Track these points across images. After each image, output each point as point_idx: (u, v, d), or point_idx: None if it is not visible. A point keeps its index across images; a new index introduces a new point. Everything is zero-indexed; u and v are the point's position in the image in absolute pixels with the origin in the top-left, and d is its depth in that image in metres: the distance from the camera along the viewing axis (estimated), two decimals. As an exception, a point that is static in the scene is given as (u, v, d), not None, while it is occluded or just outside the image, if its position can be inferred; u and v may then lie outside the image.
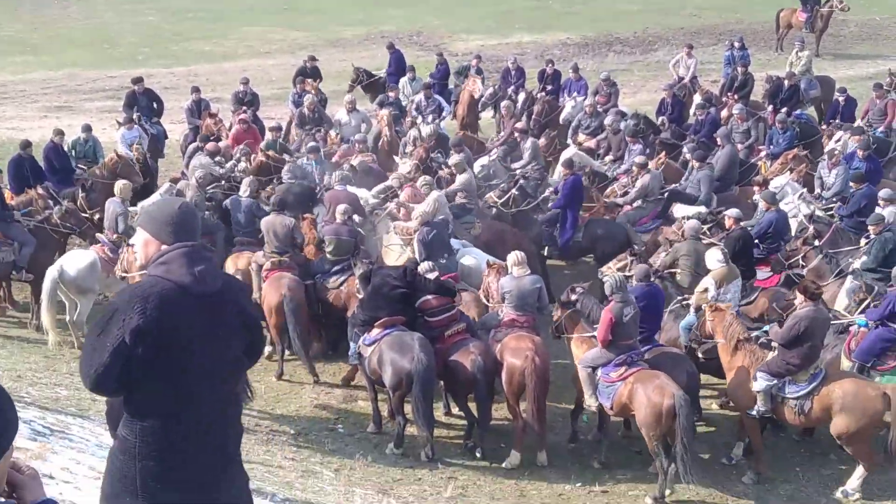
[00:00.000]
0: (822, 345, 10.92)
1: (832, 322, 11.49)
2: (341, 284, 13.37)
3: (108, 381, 4.31)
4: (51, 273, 13.41)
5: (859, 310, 12.02)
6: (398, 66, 23.24)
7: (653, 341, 11.40)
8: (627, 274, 12.35)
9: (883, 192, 14.66)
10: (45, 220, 14.67)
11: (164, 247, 4.49)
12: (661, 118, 19.76)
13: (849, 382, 10.52)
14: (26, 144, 16.46)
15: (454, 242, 14.13)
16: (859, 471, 10.56)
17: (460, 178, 15.56)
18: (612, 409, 10.90)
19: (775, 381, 10.53)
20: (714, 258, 12.35)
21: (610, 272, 13.04)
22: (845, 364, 11.39)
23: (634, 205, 15.92)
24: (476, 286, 13.34)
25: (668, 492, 10.47)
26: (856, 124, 19.04)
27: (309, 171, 16.39)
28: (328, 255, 13.55)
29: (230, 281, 4.85)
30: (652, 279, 11.74)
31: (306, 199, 15.29)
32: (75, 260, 13.74)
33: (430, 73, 23.35)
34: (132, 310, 4.26)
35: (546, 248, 15.46)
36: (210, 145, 16.79)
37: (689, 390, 10.63)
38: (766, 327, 11.20)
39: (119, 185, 14.84)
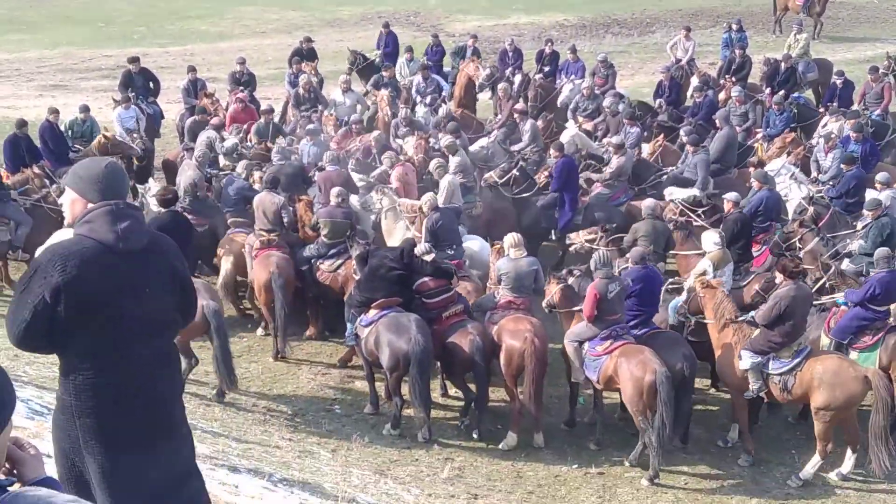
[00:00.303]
0: (805, 322, 11.03)
1: (815, 302, 11.62)
2: (338, 268, 13.34)
3: (32, 339, 4.35)
4: (38, 252, 13.32)
5: None
6: (394, 47, 23.18)
7: (650, 324, 11.41)
8: (595, 247, 12.77)
9: (880, 176, 14.64)
10: (41, 199, 14.63)
11: (90, 205, 4.51)
12: (658, 101, 19.71)
13: (831, 360, 10.68)
14: (22, 123, 16.40)
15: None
16: (814, 459, 10.69)
17: (454, 161, 15.53)
18: (598, 382, 11.09)
19: (759, 359, 10.71)
20: (711, 241, 12.33)
21: (579, 241, 13.61)
22: (824, 342, 11.51)
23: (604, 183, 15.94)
24: (478, 271, 13.37)
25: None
26: (853, 108, 19.02)
27: (303, 151, 16.36)
28: (324, 238, 13.51)
29: (158, 238, 4.84)
30: (647, 261, 11.73)
31: (298, 179, 15.24)
32: (59, 238, 13.66)
33: (425, 54, 23.26)
34: (53, 268, 4.31)
35: (551, 231, 15.47)
36: (215, 119, 16.75)
37: (686, 373, 10.71)
38: (753, 313, 11.26)
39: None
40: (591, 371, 11.04)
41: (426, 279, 11.81)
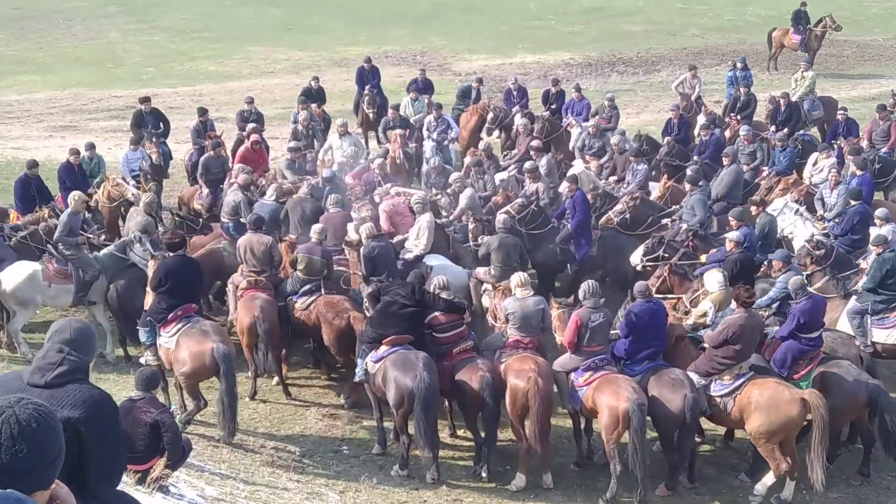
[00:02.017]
0: (752, 349, 11.25)
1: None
2: (308, 306, 13.17)
3: None
4: None
5: None
6: (378, 79, 23.57)
7: (656, 360, 11.37)
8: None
9: (879, 212, 14.72)
10: (27, 236, 14.67)
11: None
12: (667, 138, 19.77)
13: (768, 384, 10.87)
14: (32, 164, 16.52)
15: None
16: (768, 476, 10.81)
17: (463, 197, 15.55)
18: (581, 412, 11.36)
19: (703, 381, 11.03)
20: (714, 280, 12.20)
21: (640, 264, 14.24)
22: None
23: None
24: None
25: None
26: (853, 145, 19.01)
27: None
28: (299, 274, 13.34)
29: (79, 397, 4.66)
30: (650, 294, 11.77)
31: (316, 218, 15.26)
32: (15, 271, 13.93)
33: (408, 89, 23.46)
34: None
35: (567, 265, 15.52)
36: (242, 178, 16.20)
37: (688, 417, 10.71)
38: (703, 331, 11.61)
39: (73, 195, 14.85)
40: (574, 401, 11.27)
41: (438, 314, 11.84)
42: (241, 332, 13.05)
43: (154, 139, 18.93)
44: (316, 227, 13.67)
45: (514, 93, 22.96)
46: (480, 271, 14.31)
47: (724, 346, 10.96)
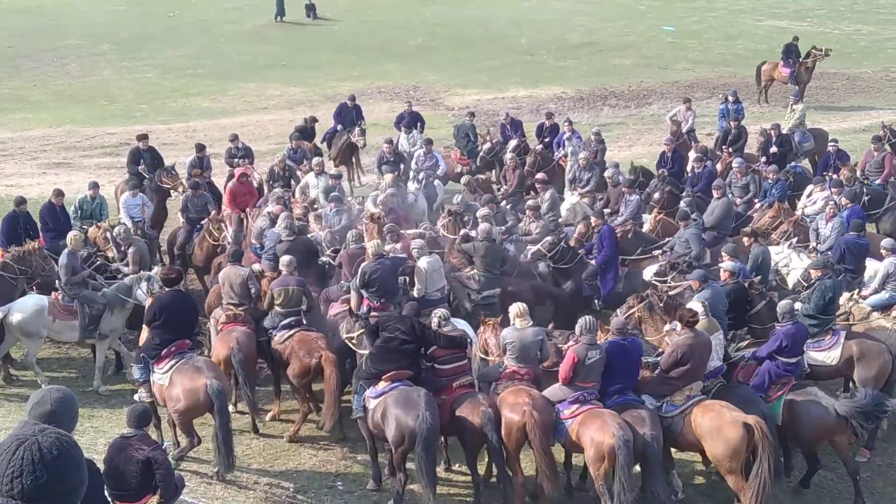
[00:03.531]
0: (703, 368, 11.43)
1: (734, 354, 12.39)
2: (285, 340, 13.10)
3: None
4: None
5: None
6: (336, 115, 23.61)
7: (626, 394, 11.35)
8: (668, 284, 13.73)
9: (885, 242, 14.86)
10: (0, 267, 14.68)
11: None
12: (661, 171, 19.85)
13: (712, 409, 10.97)
14: (21, 201, 16.52)
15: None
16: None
17: (481, 228, 15.56)
18: (564, 444, 11.37)
19: (657, 403, 11.26)
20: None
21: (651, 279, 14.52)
22: None
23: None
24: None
25: None
26: (846, 176, 19.11)
27: (328, 219, 16.73)
28: (278, 308, 13.32)
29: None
30: (627, 332, 11.78)
31: (313, 257, 15.29)
32: (23, 304, 14.22)
33: (396, 123, 23.65)
34: None
35: (594, 300, 15.55)
36: (276, 209, 16.34)
37: (648, 451, 10.69)
38: (655, 357, 11.82)
39: (70, 235, 14.99)
40: (558, 433, 11.20)
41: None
42: (217, 364, 12.90)
43: (173, 172, 18.93)
44: (284, 259, 13.73)
45: (508, 126, 23.07)
46: (463, 275, 14.49)
47: (674, 368, 11.18)
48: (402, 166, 20.25)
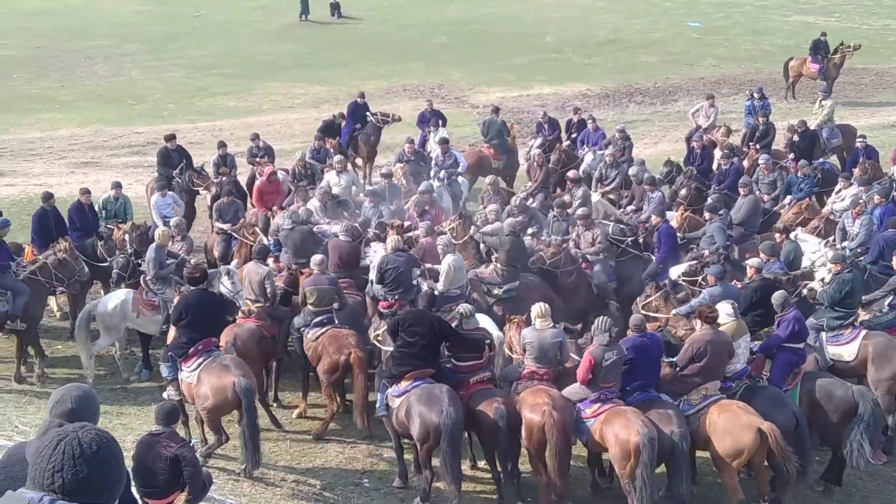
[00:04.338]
0: (722, 366, 11.33)
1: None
2: (318, 337, 13.18)
3: None
4: (87, 307, 14.43)
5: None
6: (351, 114, 23.64)
7: (648, 391, 11.33)
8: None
9: None
10: (37, 269, 14.77)
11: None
12: (688, 168, 19.76)
13: (728, 409, 10.90)
14: (48, 196, 16.47)
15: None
16: None
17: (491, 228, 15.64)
18: (586, 444, 11.30)
19: (674, 402, 11.18)
20: (724, 312, 11.89)
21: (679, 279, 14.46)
22: None
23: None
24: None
25: None
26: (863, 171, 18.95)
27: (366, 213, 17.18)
28: (310, 307, 13.41)
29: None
30: (645, 328, 11.73)
31: (309, 243, 15.51)
32: (110, 298, 14.56)
33: (419, 122, 23.74)
34: None
35: (611, 302, 15.56)
36: (302, 211, 16.50)
37: (678, 448, 10.65)
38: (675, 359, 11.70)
39: (158, 230, 15.39)
40: (580, 432, 11.15)
41: None
42: None
43: (204, 173, 19.08)
44: (316, 258, 13.86)
45: (545, 126, 23.00)
46: (484, 271, 14.51)
47: (690, 365, 11.12)
48: (422, 164, 20.24)
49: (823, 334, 12.94)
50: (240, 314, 13.71)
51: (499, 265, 14.76)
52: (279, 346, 13.76)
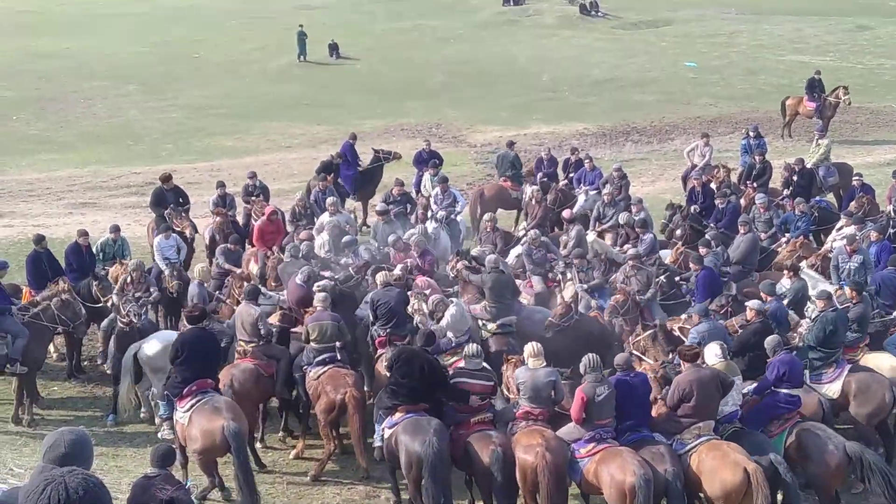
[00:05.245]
0: (713, 403, 11.15)
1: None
2: (319, 376, 13.10)
3: None
4: (131, 349, 14.00)
5: None
6: (352, 156, 23.69)
7: (640, 431, 11.24)
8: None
9: None
10: (40, 312, 14.70)
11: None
12: (693, 206, 19.80)
13: (718, 448, 10.77)
14: (40, 239, 16.34)
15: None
16: None
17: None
18: (580, 485, 11.11)
19: (667, 441, 11.08)
20: (712, 353, 11.86)
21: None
22: None
23: None
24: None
25: None
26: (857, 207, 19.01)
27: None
28: (313, 344, 13.36)
29: None
30: (632, 367, 11.70)
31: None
32: (154, 341, 14.07)
33: (415, 162, 23.80)
34: None
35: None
36: (304, 233, 17.12)
37: (672, 487, 10.56)
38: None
39: (198, 268, 15.51)
40: (573, 472, 11.04)
41: (465, 380, 11.75)
42: None
43: (183, 214, 19.01)
44: (319, 297, 13.84)
45: (545, 161, 23.15)
46: (477, 308, 14.51)
47: (681, 405, 11.04)
48: (408, 206, 20.23)
49: (806, 374, 12.77)
50: (236, 354, 13.65)
51: (487, 302, 14.75)
52: (278, 385, 13.68)
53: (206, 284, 15.09)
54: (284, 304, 15.05)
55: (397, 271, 15.53)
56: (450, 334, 13.91)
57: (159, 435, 12.37)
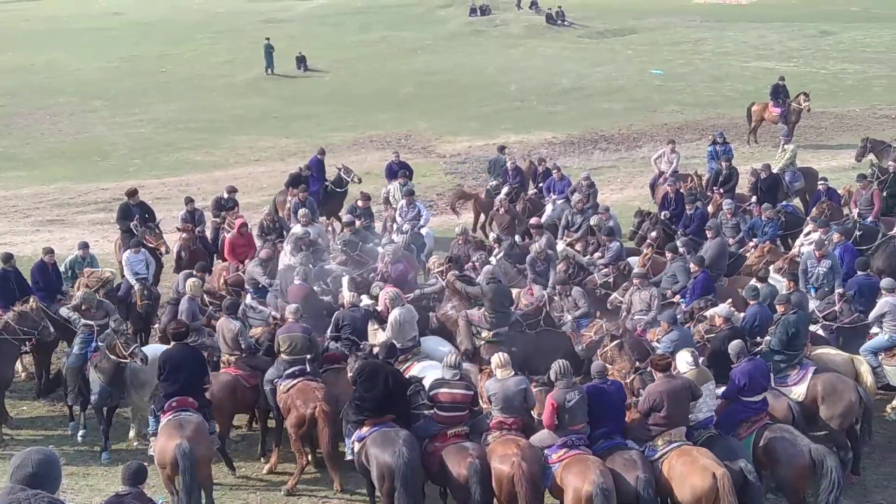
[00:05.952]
0: (684, 411, 11.25)
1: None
2: (289, 389, 13.01)
3: None
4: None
5: None
6: (319, 171, 23.64)
7: (613, 438, 11.28)
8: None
9: (884, 282, 14.85)
10: (2, 330, 14.52)
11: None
12: (664, 212, 19.94)
13: (688, 454, 10.83)
14: (7, 258, 16.11)
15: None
16: None
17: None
18: (551, 491, 11.12)
19: (639, 448, 11.13)
20: (683, 360, 11.84)
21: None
22: None
23: None
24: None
25: None
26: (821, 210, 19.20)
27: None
28: (283, 356, 13.25)
29: None
30: (607, 376, 11.73)
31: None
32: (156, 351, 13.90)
33: (386, 173, 23.83)
34: None
35: None
36: (263, 252, 17.11)
37: (643, 494, 10.58)
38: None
39: (189, 283, 15.27)
40: (546, 479, 11.06)
41: (444, 390, 11.69)
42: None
43: (157, 231, 18.85)
44: (291, 308, 13.81)
45: (510, 172, 23.20)
46: (474, 314, 14.50)
47: (652, 414, 11.10)
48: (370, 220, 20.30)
49: (771, 377, 12.81)
50: (222, 366, 13.76)
51: (486, 312, 14.72)
52: (262, 395, 13.62)
53: (196, 299, 14.95)
54: (271, 322, 14.96)
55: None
56: (391, 336, 13.91)
57: (149, 452, 12.39)
